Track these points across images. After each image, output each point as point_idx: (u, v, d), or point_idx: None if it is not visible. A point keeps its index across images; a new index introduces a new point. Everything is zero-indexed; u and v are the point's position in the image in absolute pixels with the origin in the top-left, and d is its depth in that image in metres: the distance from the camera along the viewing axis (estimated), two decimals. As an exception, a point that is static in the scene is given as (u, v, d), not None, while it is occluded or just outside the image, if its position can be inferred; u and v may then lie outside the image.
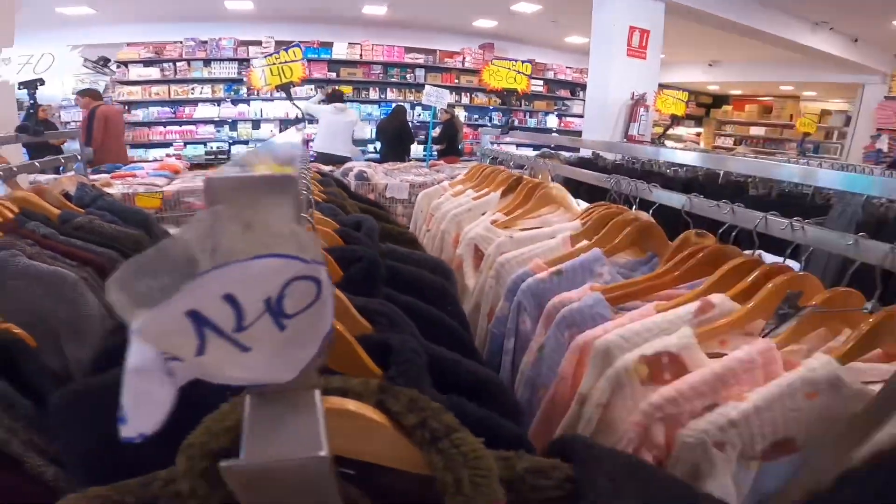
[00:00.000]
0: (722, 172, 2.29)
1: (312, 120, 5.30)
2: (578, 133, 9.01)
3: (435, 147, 5.57)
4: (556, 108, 9.21)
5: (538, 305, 1.01)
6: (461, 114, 8.17)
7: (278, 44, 7.34)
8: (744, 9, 5.57)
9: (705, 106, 11.87)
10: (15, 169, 1.26)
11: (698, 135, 11.72)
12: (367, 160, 5.11)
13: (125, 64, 7.20)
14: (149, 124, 7.39)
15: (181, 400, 0.24)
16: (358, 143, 5.81)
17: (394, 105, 6.73)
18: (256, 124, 7.76)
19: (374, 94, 8.07)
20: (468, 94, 8.55)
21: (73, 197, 1.35)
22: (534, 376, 0.95)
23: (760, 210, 0.93)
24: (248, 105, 7.70)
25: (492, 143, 2.41)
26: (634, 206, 1.17)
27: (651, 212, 1.12)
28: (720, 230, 0.96)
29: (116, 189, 2.23)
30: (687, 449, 0.60)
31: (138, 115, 7.34)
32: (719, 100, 11.89)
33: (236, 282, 0.22)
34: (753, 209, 0.95)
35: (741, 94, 11.54)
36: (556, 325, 0.91)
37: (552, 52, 8.93)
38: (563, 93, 9.20)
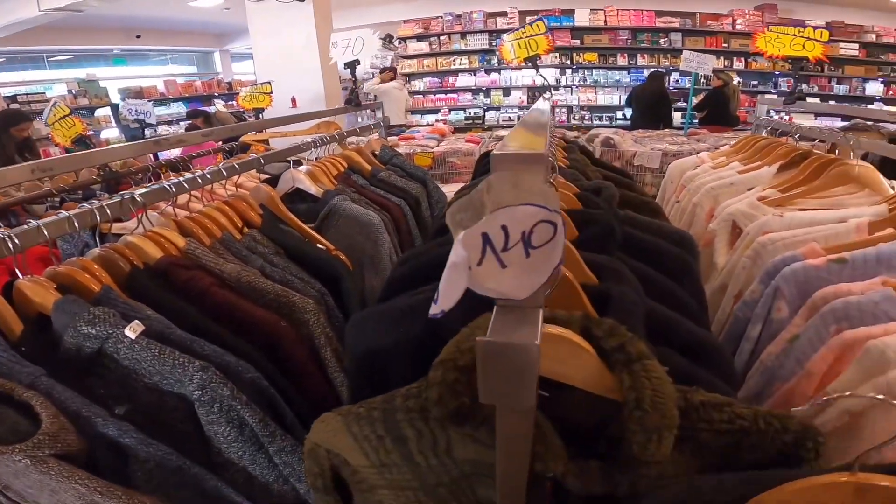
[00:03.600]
0: None
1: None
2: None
3: (696, 115, 5.00)
4: (880, 73, 7.53)
5: (802, 294, 0.91)
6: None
7: (521, 13, 7.61)
8: None
9: None
10: (344, 133, 1.68)
11: None
12: (615, 127, 4.93)
13: (404, 40, 8.36)
14: (423, 93, 8.53)
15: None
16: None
17: (646, 72, 6.28)
18: (507, 92, 8.24)
19: (621, 61, 7.79)
20: (742, 59, 7.57)
21: (378, 155, 1.74)
22: (775, 368, 0.87)
23: None
24: (500, 74, 8.21)
25: (775, 113, 2.05)
26: None
27: None
28: None
29: (402, 149, 2.73)
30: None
31: (415, 85, 8.53)
32: None
33: (510, 218, 0.34)
34: None
35: None
36: (820, 315, 0.82)
37: (863, 12, 7.25)
38: (892, 57, 7.41)
